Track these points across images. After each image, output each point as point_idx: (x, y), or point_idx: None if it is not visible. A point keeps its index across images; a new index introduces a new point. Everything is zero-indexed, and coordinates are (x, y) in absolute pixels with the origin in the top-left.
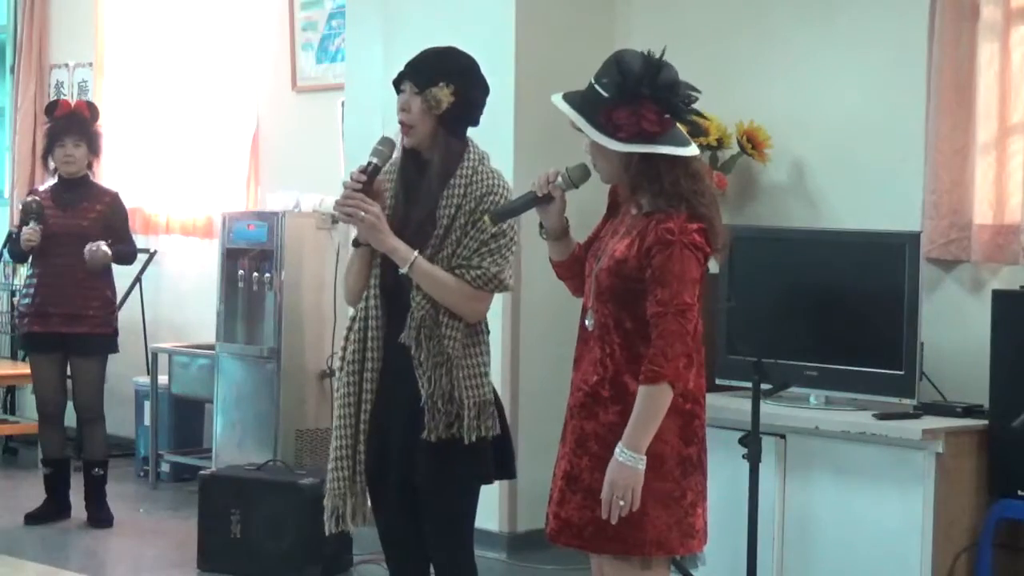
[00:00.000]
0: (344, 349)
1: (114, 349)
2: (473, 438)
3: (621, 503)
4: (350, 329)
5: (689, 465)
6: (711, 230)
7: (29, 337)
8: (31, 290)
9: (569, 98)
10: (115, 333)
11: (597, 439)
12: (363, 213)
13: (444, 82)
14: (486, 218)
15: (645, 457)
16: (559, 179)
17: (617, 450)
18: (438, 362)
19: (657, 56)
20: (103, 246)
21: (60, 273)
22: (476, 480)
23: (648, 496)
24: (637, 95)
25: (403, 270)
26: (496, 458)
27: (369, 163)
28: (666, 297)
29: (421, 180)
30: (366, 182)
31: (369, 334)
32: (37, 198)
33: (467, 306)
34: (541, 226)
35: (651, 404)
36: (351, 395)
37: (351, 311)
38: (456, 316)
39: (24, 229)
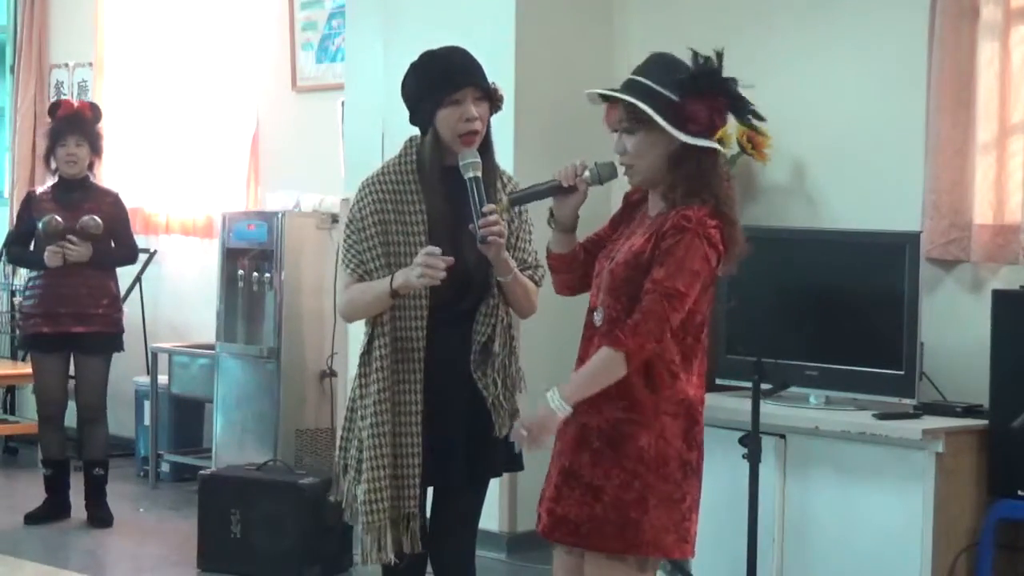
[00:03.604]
0: (372, 377)
1: (120, 348)
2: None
3: (524, 433)
4: (374, 356)
5: (689, 469)
6: (731, 234)
7: (36, 338)
8: (37, 291)
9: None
10: (122, 332)
11: (599, 434)
12: (506, 231)
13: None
14: (504, 200)
15: (571, 410)
16: (586, 173)
17: (550, 391)
18: (508, 362)
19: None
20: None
21: (69, 272)
22: (519, 467)
23: (650, 495)
24: (710, 88)
25: (507, 278)
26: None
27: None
28: (660, 277)
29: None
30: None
31: (415, 355)
32: (58, 218)
33: (533, 303)
34: (551, 215)
35: (602, 368)
36: (384, 423)
37: (365, 336)
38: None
39: (55, 250)
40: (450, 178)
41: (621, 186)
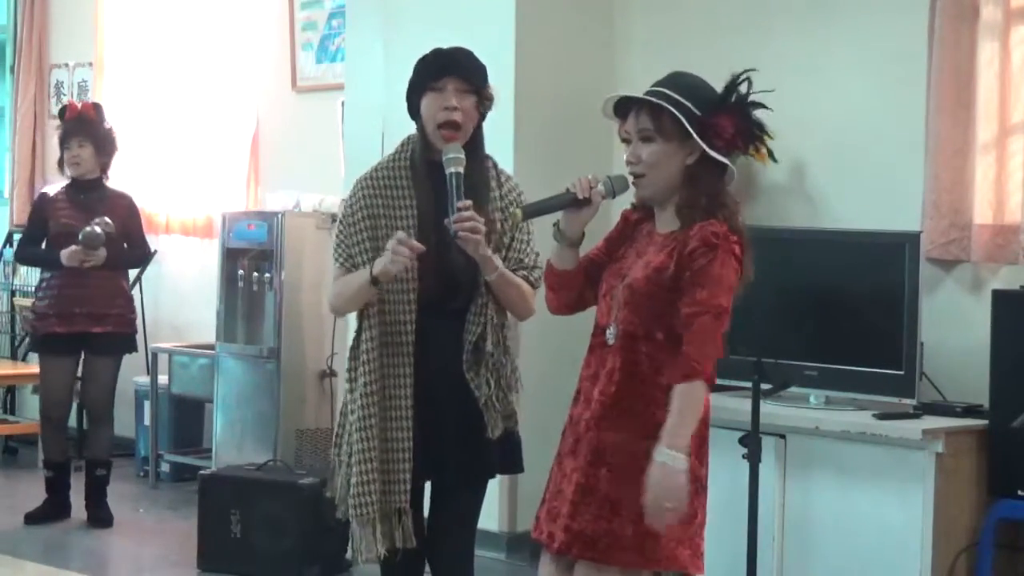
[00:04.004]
0: (360, 371)
1: (133, 348)
2: (519, 429)
3: (669, 506)
4: (362, 349)
5: (700, 486)
6: (744, 252)
7: (49, 338)
8: (52, 291)
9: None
10: (135, 332)
11: (616, 449)
12: (482, 227)
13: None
14: (517, 212)
15: (688, 456)
16: (600, 186)
17: (656, 453)
18: (503, 362)
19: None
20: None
21: (82, 272)
22: (519, 468)
23: None
24: (736, 107)
25: (491, 277)
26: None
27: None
28: (703, 297)
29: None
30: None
31: (404, 349)
32: (99, 229)
33: (528, 305)
34: (557, 228)
35: (690, 401)
36: (372, 416)
37: (356, 333)
38: (506, 315)
39: (77, 252)
40: (437, 173)
41: (619, 204)
